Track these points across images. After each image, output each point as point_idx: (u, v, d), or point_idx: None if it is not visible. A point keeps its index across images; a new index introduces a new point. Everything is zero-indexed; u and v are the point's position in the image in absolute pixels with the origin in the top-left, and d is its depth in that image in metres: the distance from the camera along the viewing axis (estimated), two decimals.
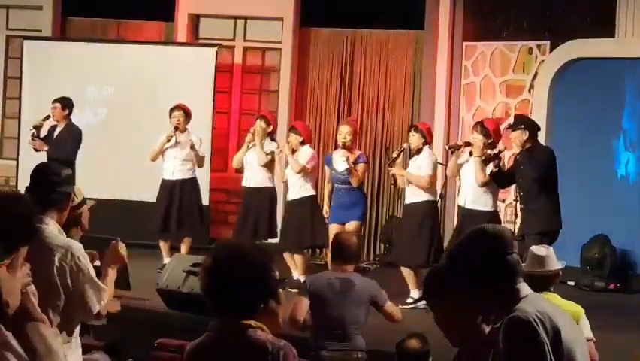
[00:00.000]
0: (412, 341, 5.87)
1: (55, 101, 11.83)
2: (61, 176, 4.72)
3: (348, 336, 6.62)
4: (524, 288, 3.31)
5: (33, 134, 11.76)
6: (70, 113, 11.83)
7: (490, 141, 9.55)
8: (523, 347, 3.12)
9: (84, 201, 4.95)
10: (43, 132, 11.83)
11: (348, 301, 6.65)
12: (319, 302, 6.68)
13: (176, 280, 8.76)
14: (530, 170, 9.17)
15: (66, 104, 11.82)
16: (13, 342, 3.80)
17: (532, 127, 9.39)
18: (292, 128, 11.03)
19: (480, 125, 9.73)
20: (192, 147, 11.27)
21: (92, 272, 4.60)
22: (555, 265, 6.09)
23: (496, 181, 9.46)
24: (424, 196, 9.90)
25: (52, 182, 4.68)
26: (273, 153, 11.08)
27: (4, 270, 3.25)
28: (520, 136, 9.25)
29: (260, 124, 11.07)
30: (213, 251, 3.61)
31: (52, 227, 4.59)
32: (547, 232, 9.06)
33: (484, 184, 9.50)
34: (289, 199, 10.85)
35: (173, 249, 11.22)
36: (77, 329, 4.68)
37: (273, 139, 11.20)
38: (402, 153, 10.22)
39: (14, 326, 3.84)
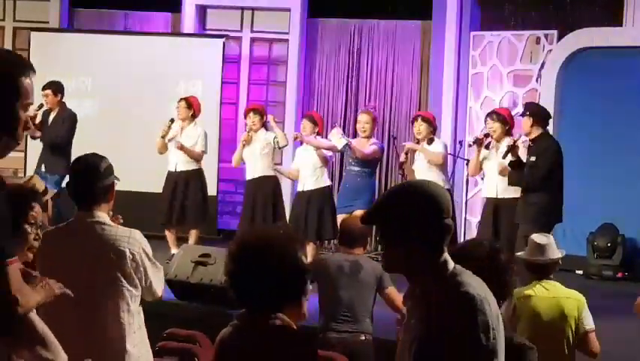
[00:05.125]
0: None
1: (45, 87, 11.53)
2: (102, 169, 4.72)
3: (356, 319, 6.63)
4: (450, 259, 3.16)
5: (32, 121, 11.65)
6: (62, 98, 11.66)
7: (507, 128, 9.57)
8: (473, 326, 3.00)
9: (46, 191, 4.95)
10: (38, 120, 11.66)
11: (357, 284, 6.67)
12: (329, 284, 6.70)
13: (184, 270, 8.78)
14: (534, 162, 9.09)
15: (57, 89, 11.62)
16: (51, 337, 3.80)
17: (538, 115, 9.21)
18: (308, 117, 11.03)
19: (495, 114, 9.74)
20: (181, 148, 11.14)
21: (152, 254, 4.69)
22: (555, 253, 6.03)
23: (511, 171, 9.37)
24: (444, 185, 9.93)
25: (95, 177, 4.67)
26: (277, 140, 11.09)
27: (15, 266, 3.21)
28: (525, 123, 9.18)
29: (254, 118, 11.08)
30: (239, 238, 3.51)
31: (104, 218, 4.64)
32: (542, 225, 8.98)
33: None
34: (303, 190, 10.82)
35: (180, 240, 11.22)
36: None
37: (267, 129, 11.18)
38: (408, 155, 10.25)
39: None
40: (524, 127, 9.19)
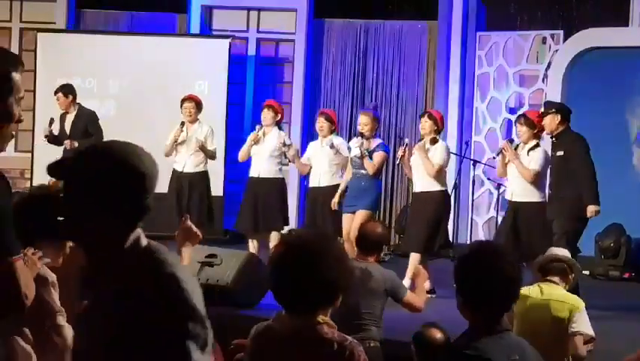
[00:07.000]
0: (433, 331, 5.70)
1: (56, 92, 11.72)
2: None
3: (363, 326, 6.58)
4: (143, 236, 2.83)
5: (48, 139, 11.69)
6: (75, 99, 11.72)
7: (535, 131, 9.57)
8: (173, 306, 2.65)
9: None
10: (56, 130, 11.69)
11: (365, 292, 6.61)
12: None
13: (190, 271, 8.76)
14: (562, 156, 9.12)
15: (67, 91, 11.69)
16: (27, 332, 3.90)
17: (564, 111, 9.31)
18: (324, 115, 10.92)
19: (523, 118, 9.74)
20: (202, 148, 11.11)
21: None
22: (552, 250, 6.13)
23: None
24: (438, 186, 9.93)
25: None
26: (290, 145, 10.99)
27: (22, 263, 3.27)
28: (552, 120, 9.21)
29: (266, 114, 11.01)
30: (283, 245, 3.47)
31: None
32: (576, 217, 9.05)
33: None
34: (320, 185, 10.81)
35: None
36: None
37: (280, 128, 11.11)
38: (406, 151, 10.28)
39: (34, 319, 3.90)
40: (550, 124, 9.18)
